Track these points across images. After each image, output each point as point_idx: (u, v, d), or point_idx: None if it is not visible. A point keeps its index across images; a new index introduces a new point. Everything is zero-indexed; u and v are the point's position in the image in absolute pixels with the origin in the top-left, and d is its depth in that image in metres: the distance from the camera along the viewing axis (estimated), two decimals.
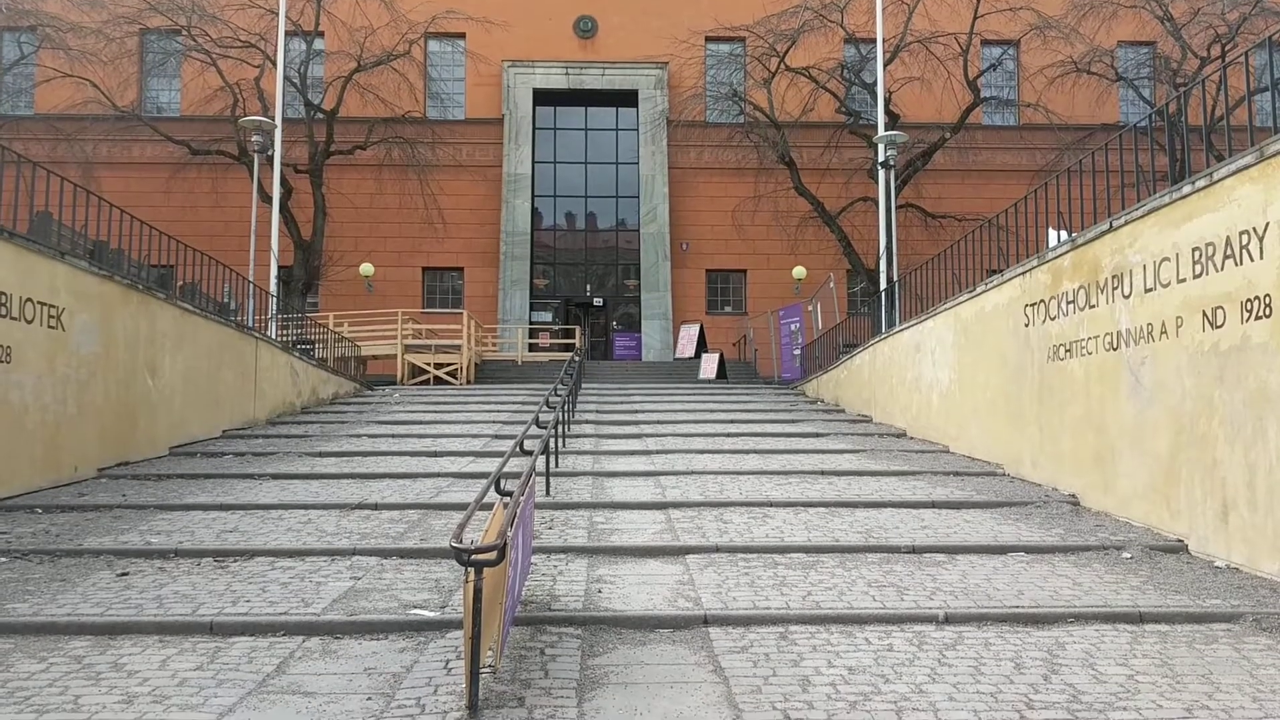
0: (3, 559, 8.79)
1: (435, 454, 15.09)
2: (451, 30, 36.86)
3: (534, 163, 39.16)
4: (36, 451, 11.91)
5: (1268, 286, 8.29)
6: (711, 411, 21.23)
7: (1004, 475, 13.39)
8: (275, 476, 13.20)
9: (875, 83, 30.32)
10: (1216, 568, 8.69)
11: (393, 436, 17.22)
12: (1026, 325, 13.11)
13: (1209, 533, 9.04)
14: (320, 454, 15.16)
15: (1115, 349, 10.83)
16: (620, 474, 13.32)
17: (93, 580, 8.03)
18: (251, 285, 23.04)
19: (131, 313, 14.29)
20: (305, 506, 11.06)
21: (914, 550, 9.10)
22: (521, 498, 6.59)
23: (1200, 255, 9.28)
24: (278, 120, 27.11)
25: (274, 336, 22.09)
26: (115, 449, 13.73)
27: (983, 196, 34.32)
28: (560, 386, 19.74)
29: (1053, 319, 12.36)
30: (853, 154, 34.99)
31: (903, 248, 29.52)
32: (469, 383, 30.42)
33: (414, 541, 9.32)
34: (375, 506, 11.03)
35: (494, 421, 19.16)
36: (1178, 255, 9.66)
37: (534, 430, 12.99)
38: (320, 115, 34.10)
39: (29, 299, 11.72)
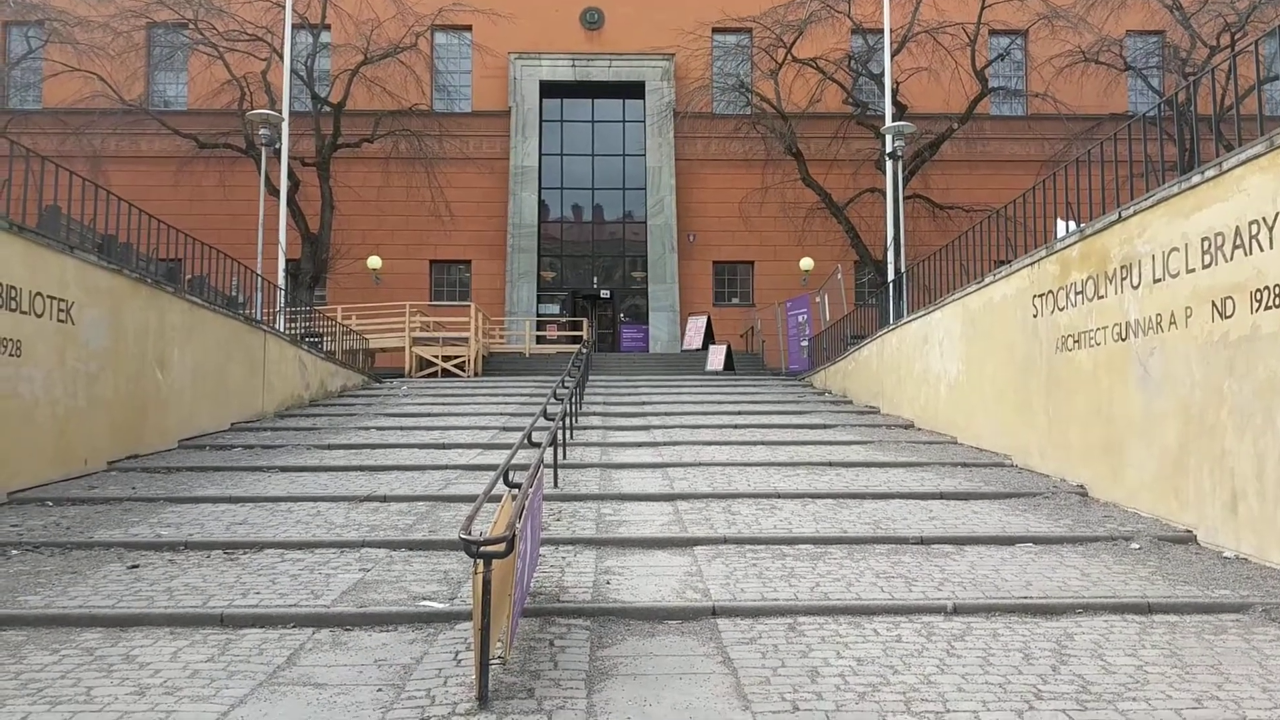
0: (15, 551, 8.84)
1: (443, 446, 15.13)
2: (458, 23, 36.80)
3: (541, 155, 39.12)
4: (47, 444, 11.96)
5: (1278, 276, 8.27)
6: (719, 403, 21.24)
7: (1012, 466, 13.38)
8: (284, 469, 13.24)
9: (883, 73, 30.22)
10: (1225, 558, 8.68)
11: (401, 429, 17.25)
12: (1035, 316, 13.09)
13: (1218, 523, 9.02)
14: (329, 446, 15.20)
15: (1124, 340, 10.81)
16: (628, 466, 13.33)
17: (104, 572, 8.07)
18: (259, 278, 23.08)
19: (140, 306, 14.33)
20: (314, 499, 11.09)
21: (922, 541, 9.10)
22: (530, 489, 6.60)
23: (1209, 245, 9.25)
24: (285, 113, 27.12)
25: (282, 330, 22.15)
26: (125, 442, 13.78)
27: (990, 187, 34.23)
28: (568, 378, 19.77)
29: (1061, 310, 12.33)
30: (860, 145, 34.90)
31: (910, 239, 29.44)
32: (476, 375, 30.45)
33: (423, 533, 9.35)
34: (384, 499, 11.06)
35: (502, 414, 19.19)
36: (1187, 245, 9.64)
37: (542, 422, 13.01)
38: (327, 108, 34.10)
39: (39, 293, 11.76)
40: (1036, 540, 9.20)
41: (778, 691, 5.50)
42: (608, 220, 40.57)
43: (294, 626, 6.78)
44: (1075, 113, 34.08)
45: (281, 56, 29.72)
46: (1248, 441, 8.62)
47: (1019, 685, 5.60)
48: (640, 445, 15.28)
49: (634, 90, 39.35)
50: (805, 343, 31.84)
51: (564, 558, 8.55)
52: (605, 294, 40.01)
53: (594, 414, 19.20)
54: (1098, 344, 11.38)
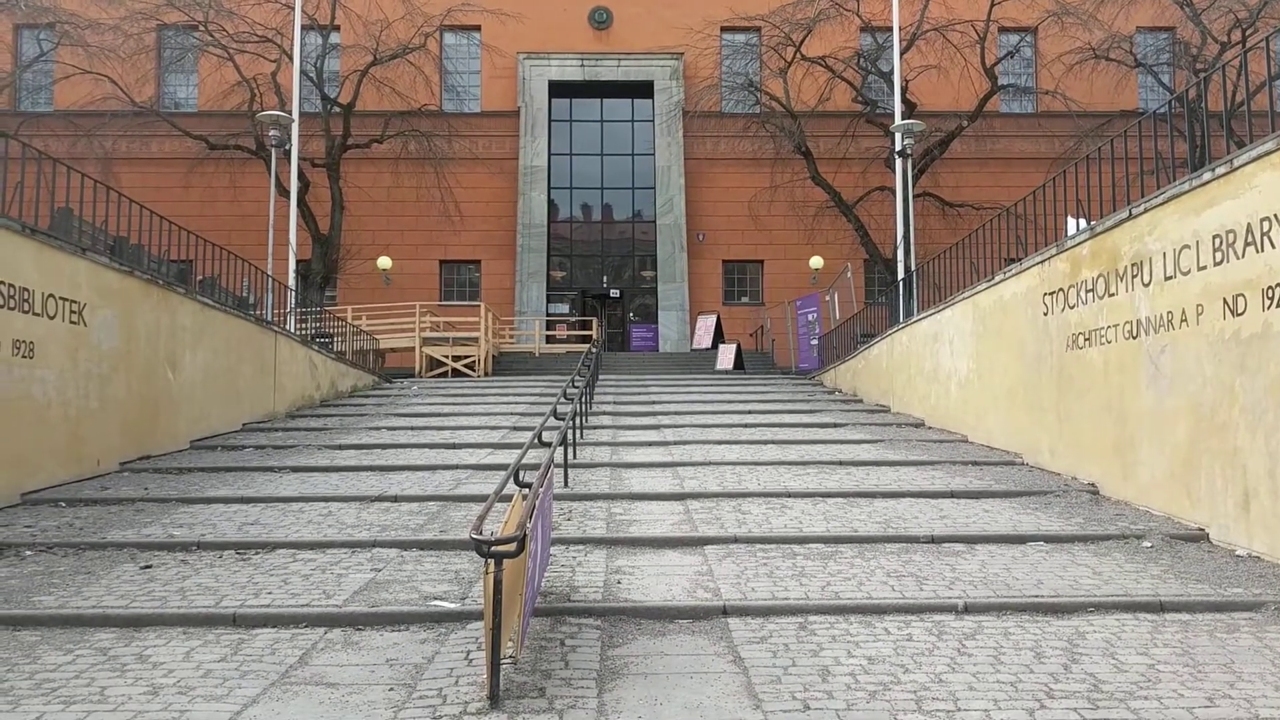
0: (29, 552, 8.88)
1: (454, 446, 15.15)
2: (466, 23, 36.85)
3: (550, 155, 39.16)
4: (60, 445, 12.02)
5: None
6: (729, 402, 21.24)
7: (1023, 464, 13.35)
8: (295, 469, 13.29)
9: (892, 71, 30.16)
10: (1238, 556, 8.65)
11: (411, 429, 17.29)
12: (1045, 314, 13.06)
13: (1230, 521, 8.99)
14: (340, 447, 15.24)
15: (1135, 337, 10.78)
16: (638, 465, 13.34)
17: (117, 573, 8.11)
18: (270, 279, 23.14)
19: (152, 307, 14.38)
20: (326, 499, 11.13)
21: (933, 540, 9.09)
22: (540, 489, 6.62)
23: (1221, 242, 9.22)
24: (294, 114, 27.19)
25: (293, 330, 22.19)
26: (137, 442, 13.84)
27: (1000, 185, 34.18)
28: (578, 378, 19.77)
29: (1071, 308, 12.30)
30: (869, 143, 34.85)
31: (920, 237, 29.42)
32: (486, 375, 30.50)
33: (434, 533, 9.37)
34: (395, 498, 11.09)
35: (512, 413, 19.22)
36: (1198, 243, 9.61)
37: (552, 422, 13.03)
38: (337, 109, 34.19)
39: (51, 295, 11.81)
40: (1048, 539, 9.18)
41: (789, 690, 5.50)
42: (617, 220, 40.59)
43: (306, 626, 6.80)
44: (1085, 110, 33.98)
45: (291, 58, 29.79)
46: (1260, 439, 8.59)
47: (1030, 684, 5.59)
48: (650, 445, 15.29)
49: (643, 90, 39.36)
50: (815, 341, 31.81)
51: (575, 557, 8.57)
52: (615, 293, 40.03)
53: (604, 413, 19.22)
54: (1109, 342, 11.35)
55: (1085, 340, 11.91)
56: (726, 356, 32.16)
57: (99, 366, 12.87)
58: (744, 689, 5.54)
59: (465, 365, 30.93)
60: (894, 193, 28.90)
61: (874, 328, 24.66)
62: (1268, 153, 8.55)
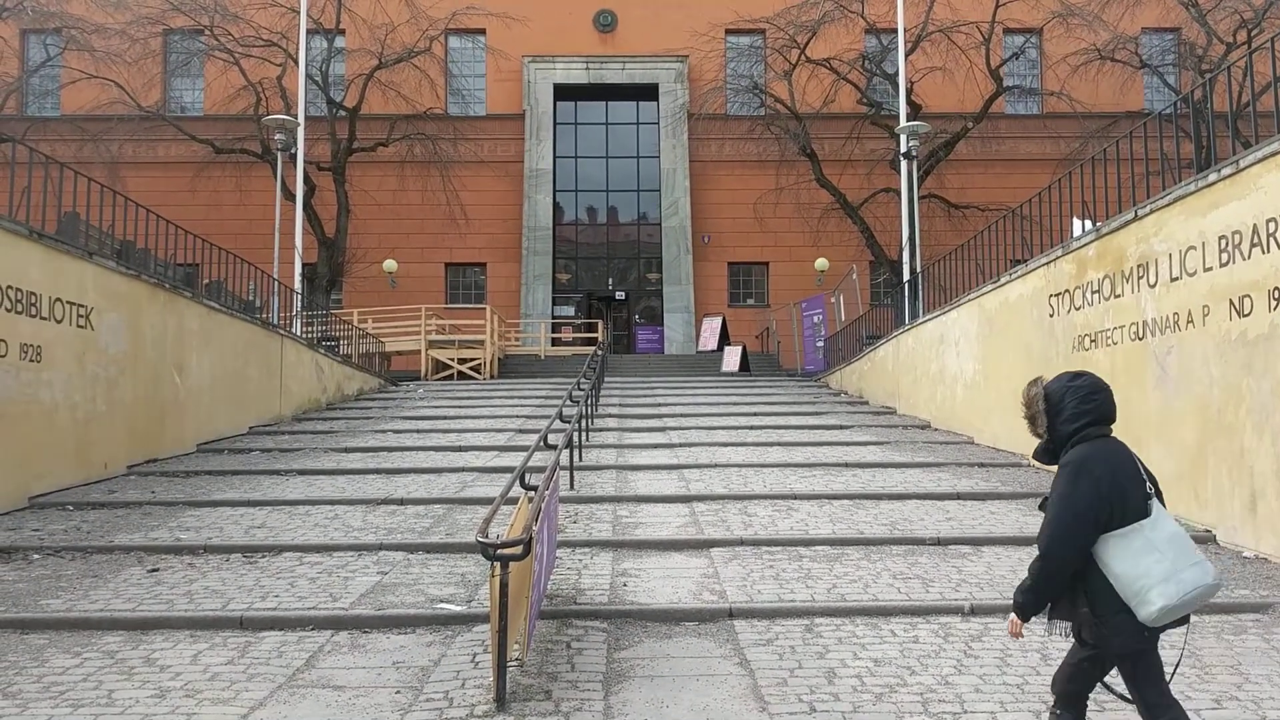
0: (36, 555, 8.91)
1: (460, 449, 15.17)
2: (471, 26, 36.88)
3: (555, 157, 39.18)
4: (67, 448, 12.05)
5: None
6: (734, 404, 21.23)
7: (1029, 466, 13.33)
8: (302, 472, 13.31)
9: (897, 73, 30.12)
10: (1245, 558, 8.64)
11: (417, 432, 17.31)
12: (1051, 315, 13.05)
13: (1237, 522, 8.98)
14: (346, 450, 15.26)
15: (1141, 339, 10.76)
16: (644, 467, 13.35)
17: (124, 576, 8.13)
18: (276, 283, 23.19)
19: (159, 311, 14.42)
20: (332, 502, 11.15)
21: (939, 542, 9.09)
22: (546, 492, 6.63)
23: (1227, 243, 9.21)
24: (300, 118, 27.24)
25: (299, 334, 22.24)
26: (144, 446, 13.87)
27: (1006, 186, 34.09)
28: (583, 380, 19.80)
29: (1077, 309, 12.29)
30: (874, 145, 34.81)
31: (925, 238, 29.38)
32: (492, 378, 30.52)
33: (440, 536, 9.39)
34: (401, 501, 11.11)
35: (518, 416, 19.23)
36: (1204, 244, 9.59)
37: (557, 424, 13.03)
38: (342, 113, 34.24)
39: (58, 299, 11.85)
40: None
41: (795, 693, 5.50)
42: (622, 222, 40.60)
43: (313, 629, 6.82)
44: (1091, 111, 33.90)
45: (296, 61, 29.86)
46: (1267, 440, 8.57)
47: (1037, 686, 5.59)
48: (656, 447, 15.29)
49: (648, 92, 39.38)
50: (821, 343, 31.80)
51: (581, 560, 8.57)
52: (620, 296, 40.05)
53: (610, 415, 19.23)
54: (1115, 343, 11.33)
55: (1091, 342, 11.89)
56: (732, 358, 32.15)
57: (106, 370, 12.91)
58: (750, 691, 5.54)
59: (471, 368, 30.96)
60: (899, 194, 28.87)
61: (880, 329, 24.64)
62: (1274, 153, 8.54)
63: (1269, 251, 8.58)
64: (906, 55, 29.73)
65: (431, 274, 37.84)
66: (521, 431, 16.98)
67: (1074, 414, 4.12)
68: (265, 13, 32.56)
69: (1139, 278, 10.83)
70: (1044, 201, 13.99)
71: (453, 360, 31.11)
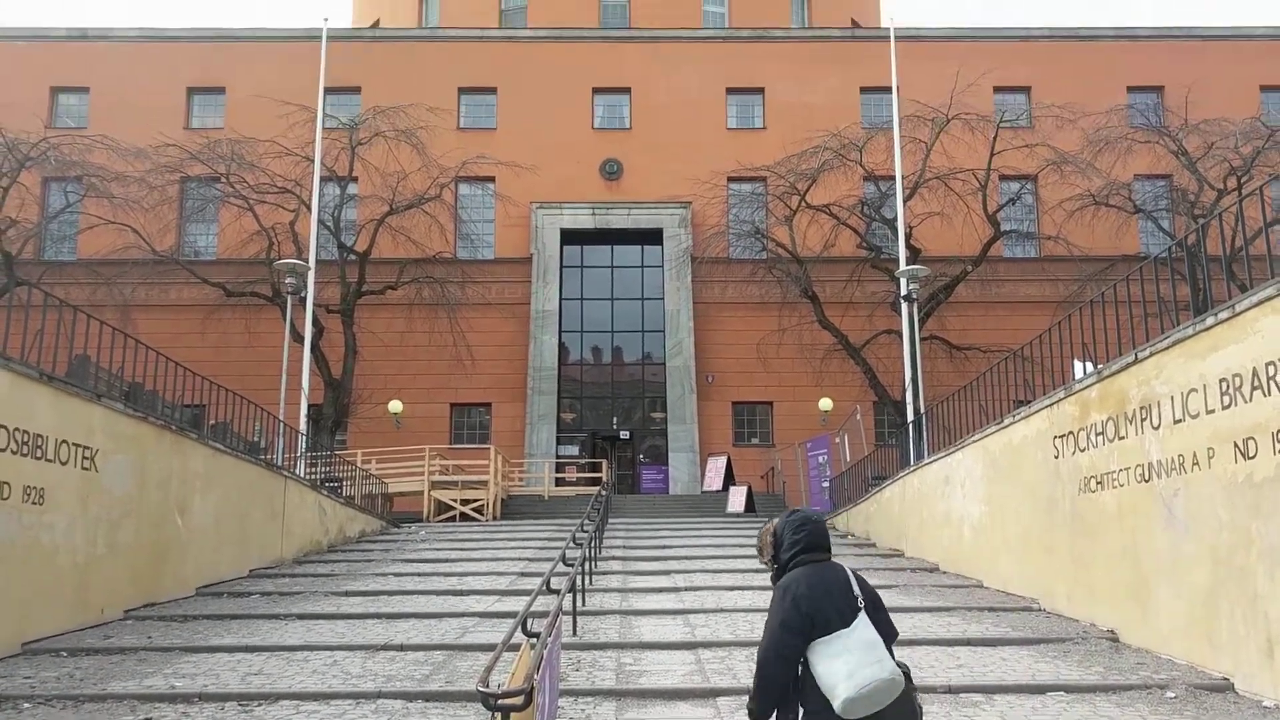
0: (27, 705, 8.72)
1: (461, 593, 14.96)
2: (481, 174, 37.94)
3: (561, 299, 39.74)
4: (66, 593, 11.91)
5: None
6: (740, 546, 20.99)
7: (1039, 610, 13.11)
8: (301, 617, 13.11)
9: (895, 218, 30.85)
10: (1265, 708, 8.41)
11: (418, 575, 17.10)
12: (1056, 457, 13.02)
13: (1254, 670, 8.77)
14: (346, 593, 15.06)
15: (1147, 480, 10.72)
16: (648, 612, 13.14)
17: None
18: (281, 424, 23.26)
19: (164, 453, 14.45)
20: (331, 648, 10.95)
21: (950, 690, 8.88)
22: (548, 639, 6.52)
23: (1228, 386, 9.26)
24: (311, 263, 27.78)
25: (302, 475, 22.20)
26: (143, 589, 13.70)
27: (1006, 328, 34.44)
28: (587, 522, 19.64)
29: (1082, 451, 12.28)
30: (875, 287, 35.32)
31: (928, 379, 29.53)
32: (495, 519, 30.30)
33: (440, 684, 9.19)
34: (401, 647, 10.91)
35: (520, 559, 19.02)
36: (1205, 386, 9.65)
37: (560, 568, 12.88)
38: (353, 257, 34.90)
39: (65, 440, 11.89)
40: (1068, 689, 8.96)
41: None
42: (627, 362, 40.93)
43: None
44: (1088, 254, 34.49)
45: (309, 208, 30.61)
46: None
47: None
48: (661, 591, 15.08)
49: (652, 236, 40.19)
50: (826, 484, 31.64)
51: (584, 710, 8.37)
52: (625, 435, 40.06)
53: (614, 558, 19.01)
54: (1121, 485, 11.28)
55: (1098, 483, 11.84)
56: (737, 499, 31.95)
57: (109, 513, 12.86)
58: None
59: (474, 509, 30.77)
60: (901, 336, 29.16)
61: (885, 470, 24.56)
62: (1269, 298, 8.67)
63: (1270, 394, 8.62)
64: (905, 201, 30.51)
65: (437, 414, 37.96)
66: (524, 575, 16.77)
67: (789, 544, 4.89)
68: (280, 161, 33.53)
69: (1142, 420, 10.85)
70: (1045, 343, 14.11)
71: (455, 501, 30.95)
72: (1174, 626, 10.12)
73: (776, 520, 5.09)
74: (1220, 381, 9.38)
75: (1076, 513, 12.37)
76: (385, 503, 29.91)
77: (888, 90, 32.51)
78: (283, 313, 28.72)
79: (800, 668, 4.55)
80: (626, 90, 41.58)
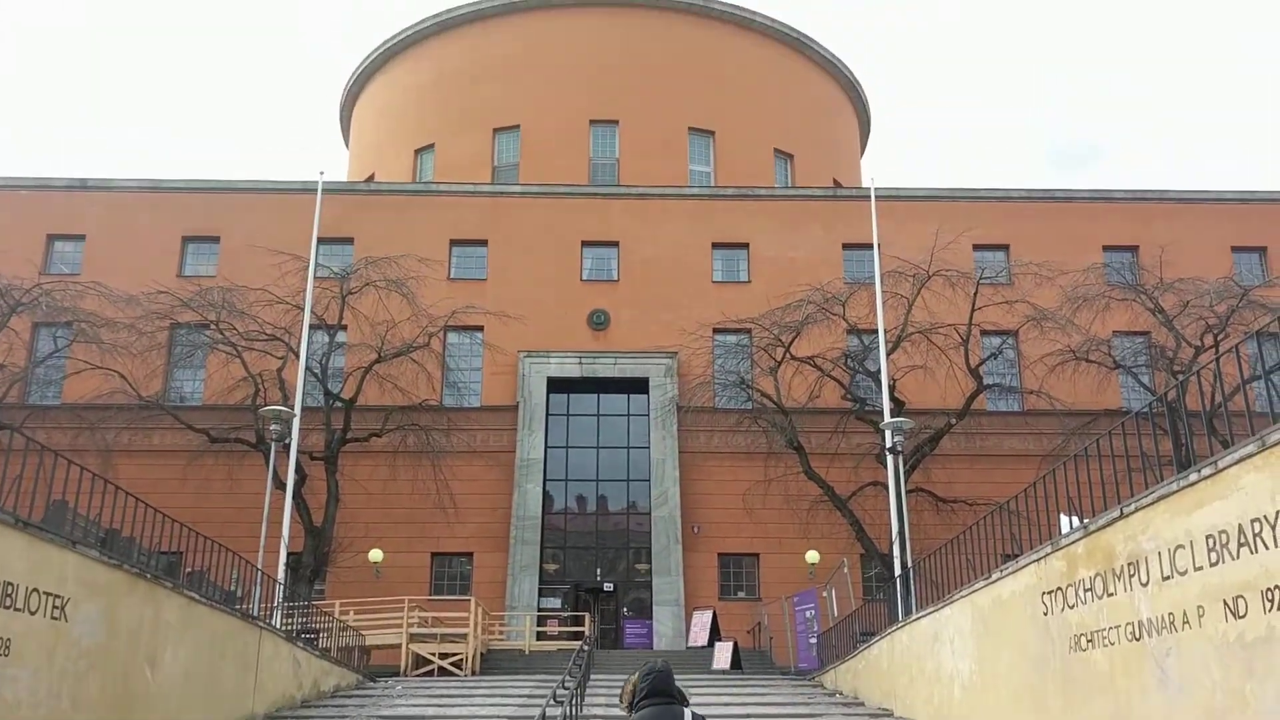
0: None
1: None
2: (470, 323, 38.36)
3: (547, 447, 39.66)
4: None
5: None
6: (726, 705, 20.42)
7: None
8: None
9: (879, 371, 31.16)
10: None
11: None
12: (1045, 614, 12.83)
13: None
14: None
15: (1138, 639, 10.55)
16: None
17: None
18: (259, 573, 22.85)
19: (137, 602, 14.11)
20: None
21: None
22: None
23: (1215, 543, 9.21)
24: (297, 410, 27.75)
25: (279, 625, 21.68)
26: None
27: (992, 481, 34.38)
28: (568, 679, 19.14)
29: (1071, 607, 12.11)
30: (860, 439, 35.40)
31: (915, 532, 29.31)
32: (474, 674, 29.52)
33: None
34: None
35: (499, 717, 18.43)
36: (1192, 542, 9.60)
37: None
38: (339, 404, 34.91)
39: (35, 589, 11.60)
40: None
41: None
42: (612, 511, 40.62)
43: None
44: (1070, 408, 34.77)
45: (298, 355, 30.76)
46: None
47: None
48: None
49: (638, 385, 40.43)
50: (814, 640, 31.04)
51: None
52: (609, 587, 39.40)
53: (595, 717, 18.43)
54: (1112, 644, 11.09)
55: (1088, 641, 11.64)
56: (723, 655, 31.26)
57: (76, 664, 12.46)
58: None
59: (453, 663, 30.00)
60: (887, 488, 29.08)
61: (873, 625, 24.13)
62: (1249, 455, 8.71)
63: (1257, 552, 8.58)
64: (888, 354, 30.89)
65: (418, 564, 37.35)
66: None
67: (639, 690, 6.04)
68: (270, 309, 33.87)
69: (1130, 576, 10.75)
70: (1031, 497, 14.08)
71: (434, 655, 30.20)
72: None
73: (635, 674, 6.20)
74: (1207, 538, 9.33)
75: (1068, 672, 12.12)
76: (362, 655, 29.12)
77: (869, 247, 33.34)
78: (266, 459, 28.54)
79: None
80: (615, 244, 42.50)
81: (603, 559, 40.06)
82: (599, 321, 41.06)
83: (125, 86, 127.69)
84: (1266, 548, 8.43)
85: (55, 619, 12.01)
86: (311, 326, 31.12)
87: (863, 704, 21.01)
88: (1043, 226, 41.27)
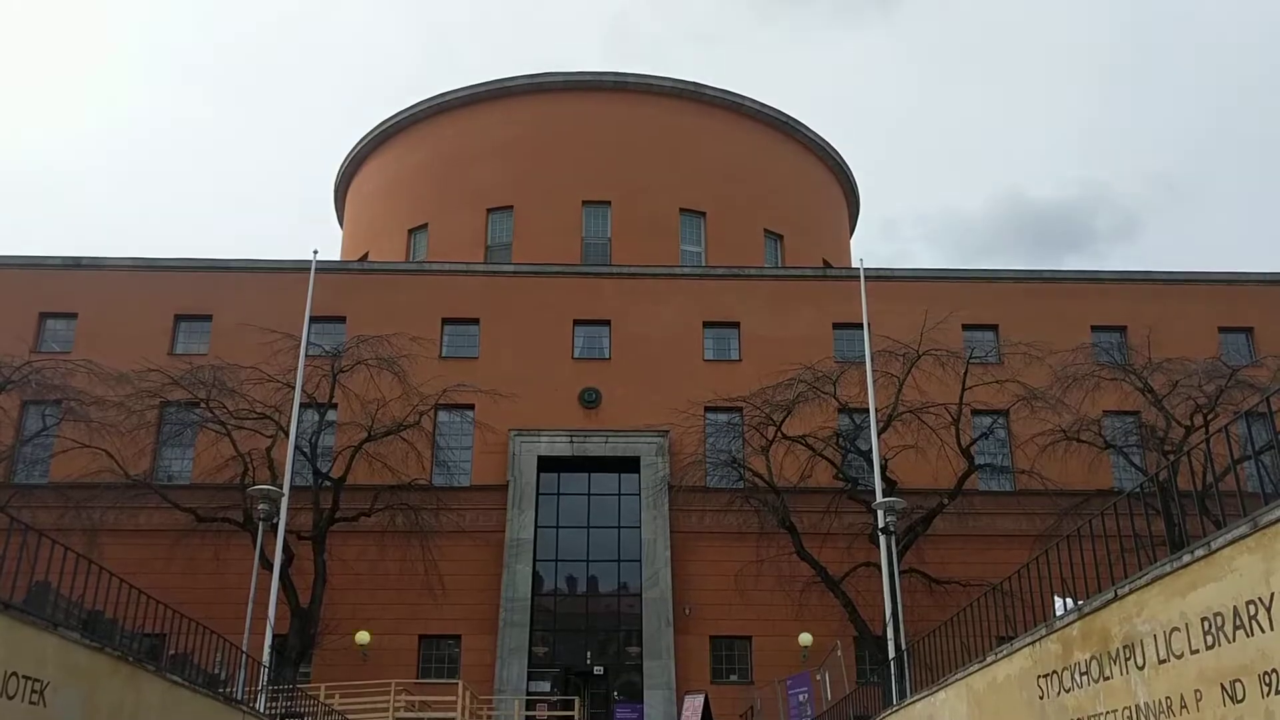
0: None
1: None
2: (461, 401, 38.24)
3: (537, 527, 39.29)
4: None
5: None
6: None
7: None
8: None
9: (870, 450, 31.11)
10: None
11: None
12: (1041, 698, 12.66)
13: None
14: None
15: None
16: None
17: None
18: (244, 655, 22.48)
19: (118, 686, 13.84)
20: None
21: None
22: None
23: (1210, 625, 9.13)
24: (285, 489, 27.54)
25: (262, 709, 21.27)
26: None
27: (985, 561, 34.13)
28: None
29: (1068, 691, 11.95)
30: (853, 519, 35.22)
31: (909, 613, 29.04)
32: None
33: None
34: None
35: None
36: (1187, 625, 9.51)
37: None
38: (328, 483, 34.64)
39: (14, 673, 11.37)
40: None
41: None
42: (602, 592, 40.15)
43: None
44: (1062, 488, 34.67)
45: (287, 434, 30.60)
46: None
47: None
48: None
49: (629, 464, 40.24)
50: None
51: None
52: (599, 670, 38.75)
53: None
54: None
55: None
56: None
57: None
58: None
59: None
60: (880, 569, 28.85)
61: (868, 709, 23.80)
62: (1243, 536, 8.68)
63: (1253, 635, 8.50)
64: (879, 434, 30.87)
65: (405, 646, 36.75)
66: None
67: None
68: (261, 387, 33.78)
69: (1126, 659, 10.63)
70: (1024, 578, 13.99)
71: None
72: None
73: None
74: (1202, 620, 9.25)
75: None
76: None
77: (859, 326, 33.50)
78: (253, 539, 28.24)
79: None
80: (606, 322, 42.65)
81: (593, 642, 39.49)
82: (590, 399, 41.03)
83: (117, 166, 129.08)
84: (1263, 630, 8.36)
85: (34, 704, 11.77)
86: (302, 405, 31.03)
87: None
88: (1031, 307, 41.60)
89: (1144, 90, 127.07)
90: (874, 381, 31.28)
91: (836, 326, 41.19)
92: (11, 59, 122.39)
